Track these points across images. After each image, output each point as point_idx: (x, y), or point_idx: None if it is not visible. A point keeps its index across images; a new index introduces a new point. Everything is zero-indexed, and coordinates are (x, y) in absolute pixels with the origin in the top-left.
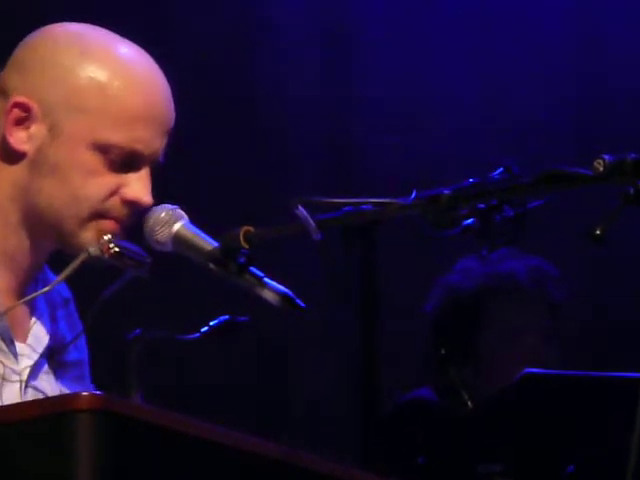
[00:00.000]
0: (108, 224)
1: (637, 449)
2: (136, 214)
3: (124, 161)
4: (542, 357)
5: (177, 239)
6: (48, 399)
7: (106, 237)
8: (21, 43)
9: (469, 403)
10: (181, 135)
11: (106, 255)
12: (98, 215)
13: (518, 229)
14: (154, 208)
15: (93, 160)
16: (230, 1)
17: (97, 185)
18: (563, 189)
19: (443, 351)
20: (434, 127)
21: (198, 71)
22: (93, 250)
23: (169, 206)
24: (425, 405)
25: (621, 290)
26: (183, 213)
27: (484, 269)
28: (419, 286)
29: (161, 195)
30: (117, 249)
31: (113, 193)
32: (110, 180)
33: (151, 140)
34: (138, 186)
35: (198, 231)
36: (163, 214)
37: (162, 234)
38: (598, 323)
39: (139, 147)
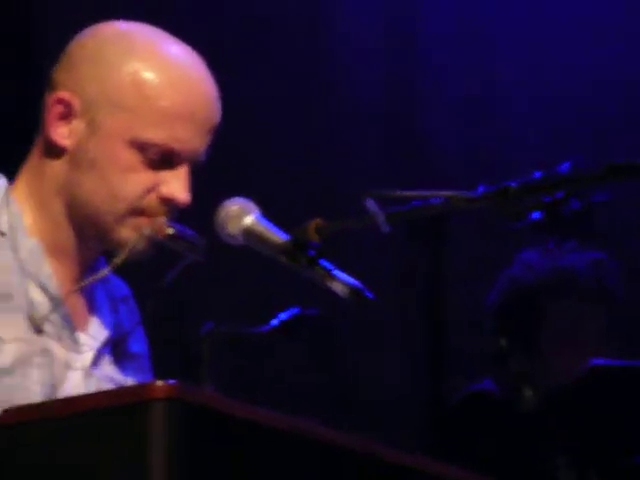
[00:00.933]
0: (145, 221)
1: None
2: (173, 212)
3: (162, 159)
4: (602, 353)
5: (248, 232)
6: (122, 388)
7: (162, 219)
8: (72, 40)
9: (532, 396)
10: (250, 129)
11: (160, 237)
12: (135, 212)
13: (586, 223)
14: (226, 201)
15: (131, 157)
16: None
17: (134, 182)
18: (629, 181)
19: (504, 343)
20: (500, 118)
21: (263, 65)
22: (148, 232)
23: (241, 199)
24: (487, 398)
25: None
26: (254, 206)
27: (547, 263)
28: (487, 280)
29: (230, 189)
30: (171, 231)
31: (150, 190)
32: (147, 177)
33: (190, 139)
34: (176, 184)
35: (269, 224)
36: (235, 207)
37: (233, 227)
38: None
39: (177, 146)
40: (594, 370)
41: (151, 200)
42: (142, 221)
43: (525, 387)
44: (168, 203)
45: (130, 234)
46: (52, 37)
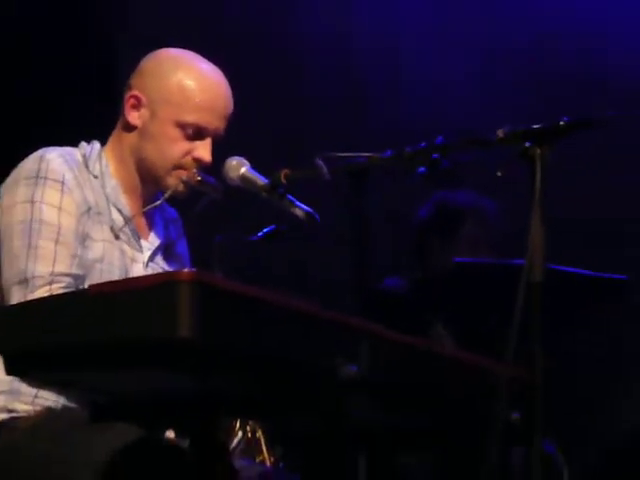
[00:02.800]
0: (183, 173)
1: (517, 325)
2: (200, 168)
3: (195, 134)
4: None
5: (242, 178)
6: (165, 273)
7: (194, 171)
8: (143, 58)
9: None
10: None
11: (193, 182)
12: (177, 167)
13: (454, 175)
14: (229, 157)
15: (175, 133)
16: None
17: (177, 148)
18: (479, 149)
19: (422, 246)
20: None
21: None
22: (185, 178)
23: (238, 157)
24: (392, 289)
25: None
26: (247, 161)
27: (450, 199)
28: (400, 213)
29: (233, 149)
30: (200, 178)
31: (187, 154)
32: (185, 146)
33: (213, 121)
34: (203, 150)
35: (255, 172)
36: (234, 162)
37: (233, 174)
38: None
39: (205, 125)
40: (458, 265)
41: (187, 160)
42: (181, 173)
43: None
44: (198, 162)
45: (174, 181)
46: (127, 57)
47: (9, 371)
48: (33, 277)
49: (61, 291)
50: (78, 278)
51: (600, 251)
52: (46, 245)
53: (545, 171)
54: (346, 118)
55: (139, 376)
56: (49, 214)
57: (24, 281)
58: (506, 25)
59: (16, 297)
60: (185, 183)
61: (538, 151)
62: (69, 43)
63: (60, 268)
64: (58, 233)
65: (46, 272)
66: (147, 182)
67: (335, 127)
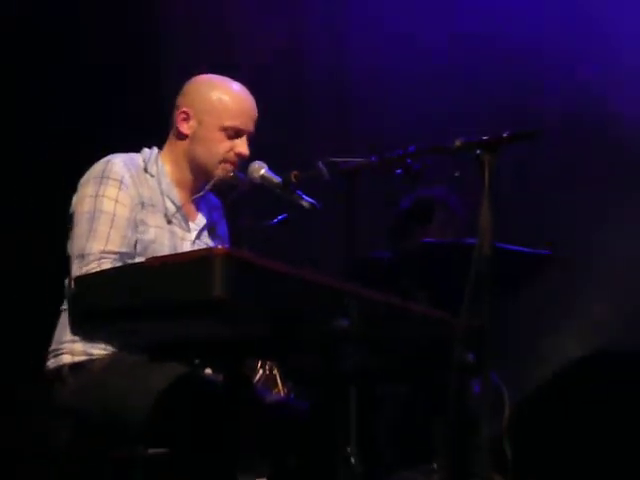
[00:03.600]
0: (228, 166)
1: (471, 290)
2: (240, 161)
3: (234, 135)
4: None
5: (263, 177)
6: (204, 249)
7: (229, 168)
8: (186, 82)
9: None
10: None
11: (228, 177)
12: (223, 161)
13: (421, 175)
14: (252, 162)
15: (219, 136)
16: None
17: (222, 147)
18: (441, 154)
19: (404, 226)
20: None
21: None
22: (222, 176)
23: (259, 161)
24: (380, 260)
25: None
26: (265, 164)
27: (432, 192)
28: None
29: (258, 154)
30: (232, 174)
31: (229, 150)
32: (228, 144)
33: (246, 124)
34: (242, 146)
35: (272, 173)
36: (256, 165)
37: (256, 174)
38: None
39: (242, 127)
40: (426, 244)
41: (230, 155)
42: (226, 166)
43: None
44: (239, 156)
45: (221, 172)
46: (171, 79)
47: (75, 331)
48: (88, 254)
49: (108, 266)
50: (126, 255)
51: (532, 231)
52: (102, 229)
53: (492, 172)
54: (336, 127)
55: (184, 327)
56: (107, 205)
57: (81, 256)
58: (468, 41)
59: (75, 268)
60: (226, 175)
61: (487, 157)
62: (130, 72)
63: (111, 247)
64: (112, 220)
65: (98, 250)
66: (198, 176)
67: (327, 135)
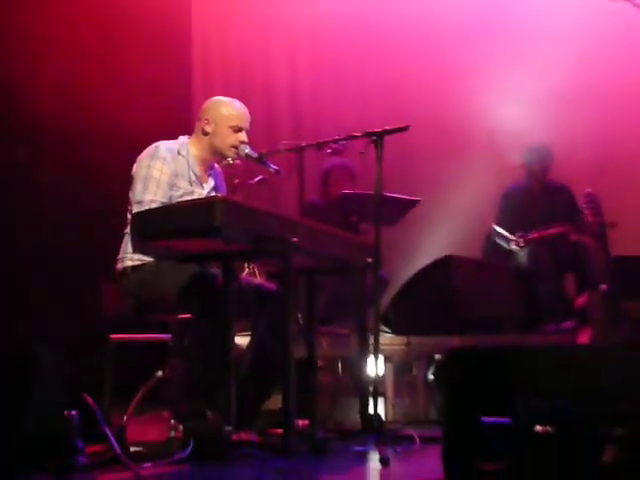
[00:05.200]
0: (234, 150)
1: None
2: (243, 146)
3: (238, 130)
4: None
5: (246, 155)
6: (209, 196)
7: (240, 148)
8: (206, 101)
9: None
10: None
11: (234, 159)
12: (232, 147)
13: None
14: (241, 146)
15: (229, 132)
16: None
17: (232, 138)
18: (351, 140)
19: None
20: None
21: None
22: (234, 156)
23: (243, 144)
24: None
25: None
26: (248, 146)
27: (344, 161)
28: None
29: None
30: (241, 153)
31: (235, 139)
32: (234, 136)
33: (244, 124)
34: (243, 137)
35: (252, 151)
36: (242, 147)
37: (242, 153)
38: None
39: (241, 125)
40: (344, 194)
41: (237, 142)
42: (234, 150)
43: None
44: (242, 142)
45: (231, 154)
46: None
47: (134, 246)
48: (142, 201)
49: (154, 206)
50: (164, 203)
51: (404, 187)
52: (151, 187)
53: (382, 151)
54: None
55: (198, 245)
56: (156, 173)
57: (138, 202)
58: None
59: (134, 208)
60: (238, 155)
61: (379, 141)
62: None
63: (157, 197)
64: (158, 182)
65: (149, 199)
66: (214, 157)
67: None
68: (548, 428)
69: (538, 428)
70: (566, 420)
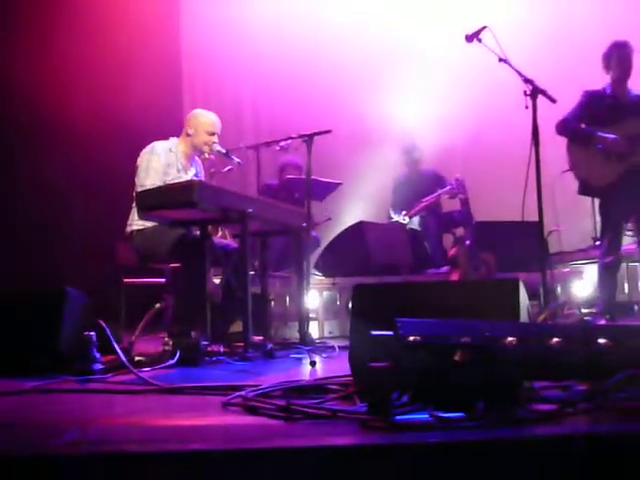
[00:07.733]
0: (210, 148)
1: None
2: (214, 145)
3: (212, 134)
4: None
5: (218, 151)
6: (189, 180)
7: (213, 147)
8: (190, 113)
9: None
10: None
11: (208, 153)
12: (206, 145)
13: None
14: (214, 144)
15: (205, 135)
16: None
17: (207, 139)
18: (293, 139)
19: None
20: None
21: None
22: (208, 152)
23: (215, 144)
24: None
25: None
26: (218, 145)
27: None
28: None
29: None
30: (214, 150)
31: (209, 140)
32: (210, 138)
33: (216, 130)
34: (214, 139)
35: (221, 147)
36: (215, 146)
37: (215, 150)
38: None
39: (215, 130)
40: (289, 179)
41: (210, 141)
42: (207, 148)
43: None
44: (214, 143)
45: (207, 150)
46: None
47: (138, 215)
48: (144, 184)
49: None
50: (159, 184)
51: (331, 173)
52: (152, 174)
53: (311, 150)
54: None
55: (182, 214)
56: (154, 164)
57: (141, 185)
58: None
59: (138, 190)
60: (211, 151)
61: (311, 141)
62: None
63: (154, 181)
64: (155, 171)
65: (149, 183)
66: (194, 153)
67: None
68: (417, 338)
69: (411, 338)
70: (431, 333)
